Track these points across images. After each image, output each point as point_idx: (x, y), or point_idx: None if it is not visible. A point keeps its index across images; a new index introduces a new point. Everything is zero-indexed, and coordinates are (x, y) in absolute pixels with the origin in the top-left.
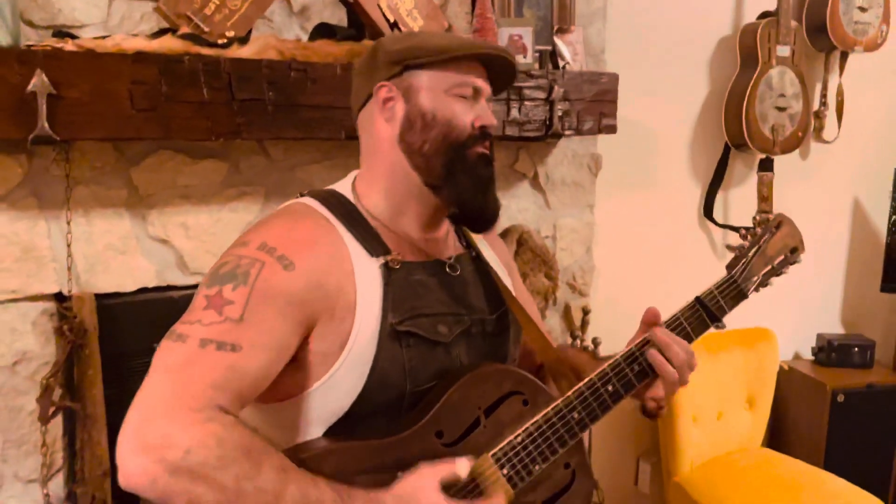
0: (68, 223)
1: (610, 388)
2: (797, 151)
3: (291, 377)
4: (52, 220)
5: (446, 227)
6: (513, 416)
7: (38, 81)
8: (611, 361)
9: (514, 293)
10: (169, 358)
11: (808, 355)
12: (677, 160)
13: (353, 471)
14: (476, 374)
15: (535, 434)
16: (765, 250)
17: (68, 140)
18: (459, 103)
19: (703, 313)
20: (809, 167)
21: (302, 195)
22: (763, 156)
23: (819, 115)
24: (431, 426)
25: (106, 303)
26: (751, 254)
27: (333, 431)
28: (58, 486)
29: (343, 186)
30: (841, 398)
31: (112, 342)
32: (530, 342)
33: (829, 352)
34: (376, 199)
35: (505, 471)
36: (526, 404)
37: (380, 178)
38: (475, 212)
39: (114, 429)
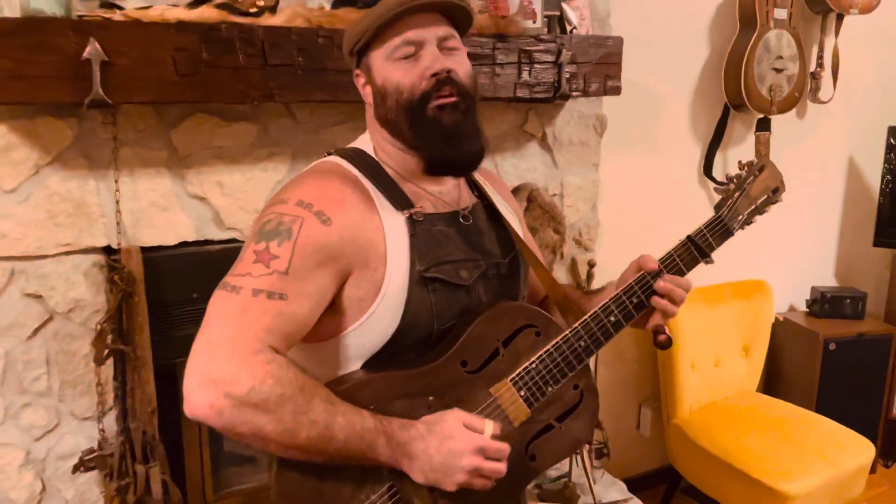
0: (116, 181)
1: (612, 318)
2: (794, 111)
3: (331, 320)
4: (100, 179)
5: (455, 180)
6: (527, 345)
7: (93, 49)
8: (612, 296)
9: (522, 237)
10: (224, 306)
11: (803, 307)
12: (678, 121)
13: (389, 397)
14: (494, 311)
15: (547, 360)
16: (748, 192)
17: (119, 104)
18: (401, 65)
19: (694, 250)
20: (806, 127)
21: (329, 154)
22: (761, 116)
23: (815, 76)
24: (456, 357)
25: (150, 256)
26: (736, 195)
27: (369, 365)
28: (110, 422)
29: (365, 143)
30: (832, 346)
31: (156, 292)
32: (539, 281)
33: (823, 303)
34: (390, 162)
35: (522, 392)
36: (539, 335)
37: (385, 148)
38: (445, 161)
39: (160, 371)
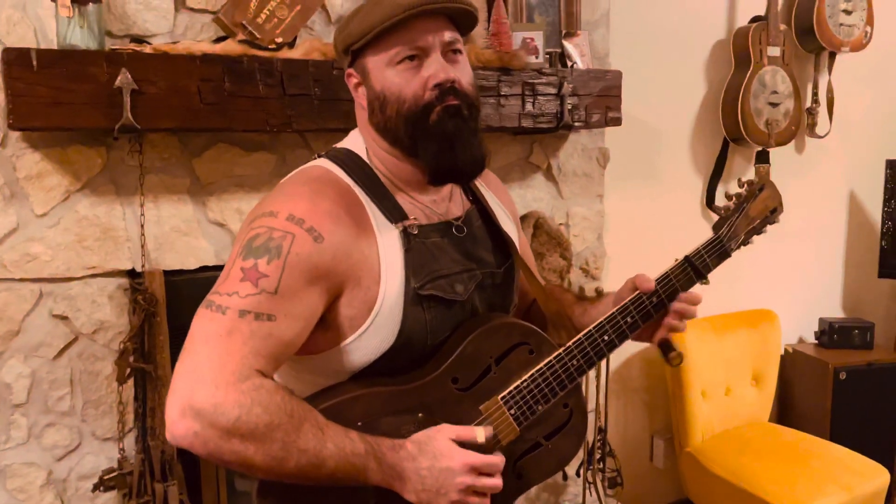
0: (141, 206)
1: (606, 337)
2: (793, 147)
3: (322, 336)
4: (126, 204)
5: (450, 186)
6: (520, 363)
7: (124, 79)
8: (607, 315)
9: (518, 246)
10: (210, 327)
11: (812, 339)
12: (680, 155)
13: (378, 413)
14: (488, 328)
15: (539, 379)
16: (748, 212)
17: (148, 130)
18: (404, 72)
19: (691, 271)
20: (805, 162)
21: (319, 156)
22: (759, 148)
23: (812, 112)
24: (448, 374)
25: (171, 279)
26: (735, 216)
27: (360, 376)
28: (130, 444)
29: (356, 145)
30: (843, 376)
31: (176, 315)
32: (532, 294)
33: (831, 334)
34: (383, 168)
35: (512, 411)
36: (532, 353)
37: (378, 154)
38: (448, 169)
39: None
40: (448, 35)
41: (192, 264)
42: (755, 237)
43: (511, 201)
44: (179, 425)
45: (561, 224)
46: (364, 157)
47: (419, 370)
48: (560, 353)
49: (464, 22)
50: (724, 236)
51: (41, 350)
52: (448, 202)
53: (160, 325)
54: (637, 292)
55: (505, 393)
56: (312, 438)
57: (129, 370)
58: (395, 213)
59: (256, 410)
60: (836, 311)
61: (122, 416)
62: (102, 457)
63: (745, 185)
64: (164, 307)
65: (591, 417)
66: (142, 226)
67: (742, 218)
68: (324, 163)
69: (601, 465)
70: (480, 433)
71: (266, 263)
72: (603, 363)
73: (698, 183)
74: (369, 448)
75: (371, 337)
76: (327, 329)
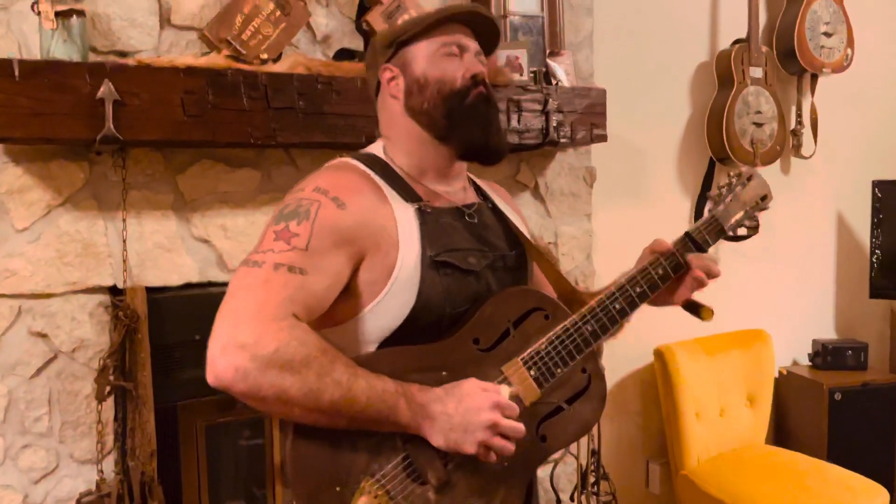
0: (124, 221)
1: (617, 305)
2: (779, 168)
3: (346, 303)
4: (108, 220)
5: (464, 183)
6: (537, 327)
7: (106, 89)
8: (617, 284)
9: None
10: (247, 279)
11: (805, 361)
12: (667, 174)
13: (404, 369)
14: (505, 293)
15: (556, 342)
16: (739, 196)
17: (129, 141)
18: (448, 61)
19: (692, 245)
20: (792, 183)
21: (342, 157)
22: (745, 168)
23: (796, 133)
24: (469, 334)
25: (154, 296)
26: (728, 199)
27: (384, 346)
28: (109, 466)
29: (376, 149)
30: (838, 396)
31: (159, 333)
32: (546, 275)
33: (825, 355)
34: (403, 160)
35: (532, 372)
36: (547, 318)
37: (401, 144)
38: (481, 146)
39: (160, 413)
40: (477, 45)
41: (175, 281)
42: (748, 223)
43: (519, 209)
44: (221, 361)
45: (550, 243)
46: (383, 157)
47: (441, 336)
48: (574, 319)
49: (487, 48)
50: (719, 214)
51: (18, 368)
52: (462, 194)
53: (141, 343)
54: (643, 265)
55: (524, 355)
56: (345, 373)
57: (108, 388)
58: (410, 195)
59: (294, 344)
60: (829, 333)
61: (101, 437)
62: (80, 479)
63: (735, 176)
64: (146, 324)
65: (583, 441)
66: (124, 241)
67: (734, 200)
68: (345, 159)
69: (595, 489)
70: (505, 388)
71: (297, 225)
72: None
73: (686, 202)
74: (399, 388)
75: (391, 301)
76: (351, 296)
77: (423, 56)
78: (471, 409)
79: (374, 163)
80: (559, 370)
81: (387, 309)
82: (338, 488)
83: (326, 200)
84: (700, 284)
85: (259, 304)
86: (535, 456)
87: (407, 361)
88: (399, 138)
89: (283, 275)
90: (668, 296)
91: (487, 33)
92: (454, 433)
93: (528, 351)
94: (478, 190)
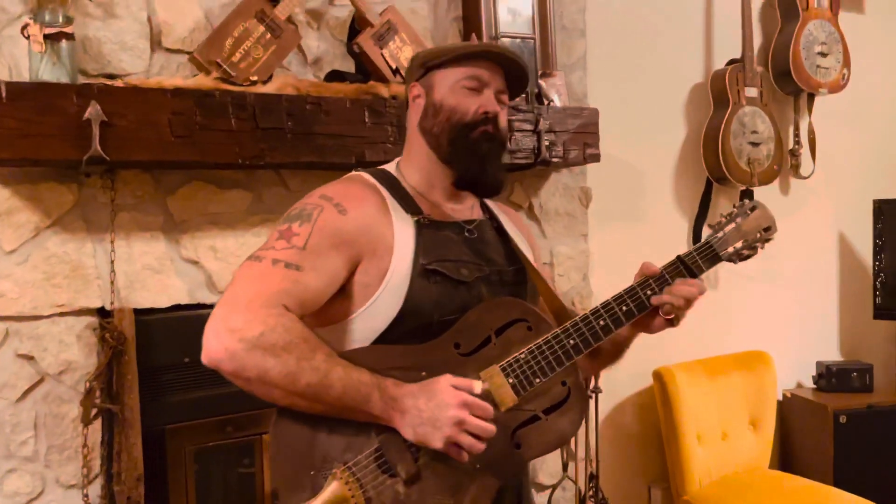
0: (112, 242)
1: (601, 322)
2: (777, 188)
3: (340, 304)
4: (97, 241)
5: (472, 202)
6: (519, 337)
7: (94, 110)
8: (602, 303)
9: (532, 262)
10: (248, 271)
11: (810, 384)
12: (664, 195)
13: (384, 367)
14: (491, 302)
15: (537, 352)
16: (740, 226)
17: (117, 162)
18: (465, 94)
19: (684, 270)
20: (792, 203)
21: (356, 170)
22: (743, 188)
23: (794, 153)
24: (451, 338)
25: (143, 318)
26: (727, 228)
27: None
28: (95, 491)
29: (389, 166)
30: (843, 419)
31: (147, 355)
32: (542, 294)
33: (829, 377)
34: (413, 176)
35: (510, 379)
36: (530, 330)
37: (414, 158)
38: (474, 178)
39: (148, 436)
40: (502, 85)
41: (164, 302)
42: (748, 253)
43: (530, 233)
44: (214, 342)
45: (546, 263)
46: (393, 172)
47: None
48: (557, 332)
49: (514, 90)
50: (715, 242)
51: (4, 391)
52: (467, 211)
53: (129, 365)
54: (631, 285)
55: (503, 362)
56: (324, 362)
57: (95, 411)
58: (412, 208)
59: (279, 329)
60: (833, 355)
61: (87, 462)
62: None
63: (737, 206)
64: (134, 346)
65: (581, 465)
66: (112, 262)
67: (734, 230)
68: (358, 171)
69: None
70: (477, 384)
71: (298, 226)
72: (592, 408)
73: (683, 223)
74: (374, 380)
75: (381, 304)
76: (345, 298)
77: (445, 83)
78: (440, 405)
79: (384, 177)
80: (538, 380)
81: (377, 311)
82: (312, 472)
83: (329, 206)
84: (670, 315)
85: (254, 294)
86: (509, 462)
87: (389, 359)
88: (412, 152)
89: (279, 270)
90: (641, 324)
91: (517, 77)
92: (423, 427)
93: (508, 359)
94: (486, 209)
